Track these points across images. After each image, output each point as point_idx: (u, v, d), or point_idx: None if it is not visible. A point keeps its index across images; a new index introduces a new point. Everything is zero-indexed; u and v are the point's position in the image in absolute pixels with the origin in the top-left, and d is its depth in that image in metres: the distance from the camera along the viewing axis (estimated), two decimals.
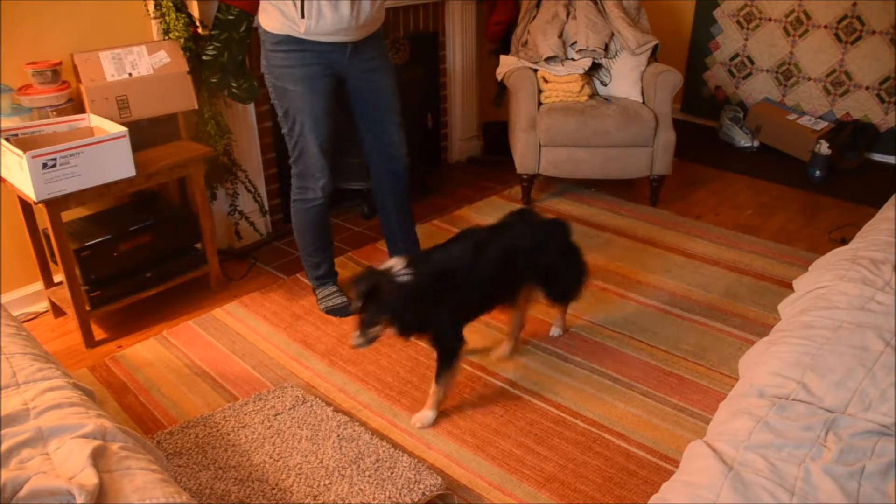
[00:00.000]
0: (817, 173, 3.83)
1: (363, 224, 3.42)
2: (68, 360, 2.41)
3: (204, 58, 2.67)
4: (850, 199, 3.62)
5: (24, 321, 2.60)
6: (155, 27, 2.73)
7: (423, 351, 2.42)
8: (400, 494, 1.81)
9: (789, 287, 2.19)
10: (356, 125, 2.55)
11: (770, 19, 4.29)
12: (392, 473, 1.88)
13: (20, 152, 2.12)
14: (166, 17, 2.63)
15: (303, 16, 2.19)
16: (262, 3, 2.28)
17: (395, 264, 1.95)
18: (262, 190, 3.19)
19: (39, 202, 2.21)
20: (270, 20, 2.26)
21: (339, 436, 2.01)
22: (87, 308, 2.47)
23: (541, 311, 2.64)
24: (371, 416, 2.15)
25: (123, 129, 2.33)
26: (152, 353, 2.44)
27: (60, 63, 2.44)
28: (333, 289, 2.70)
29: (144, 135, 2.59)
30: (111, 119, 2.44)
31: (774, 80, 4.39)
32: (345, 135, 2.61)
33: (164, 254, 2.67)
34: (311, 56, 2.28)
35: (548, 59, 3.48)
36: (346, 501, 1.80)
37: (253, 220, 3.14)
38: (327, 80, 2.34)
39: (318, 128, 2.37)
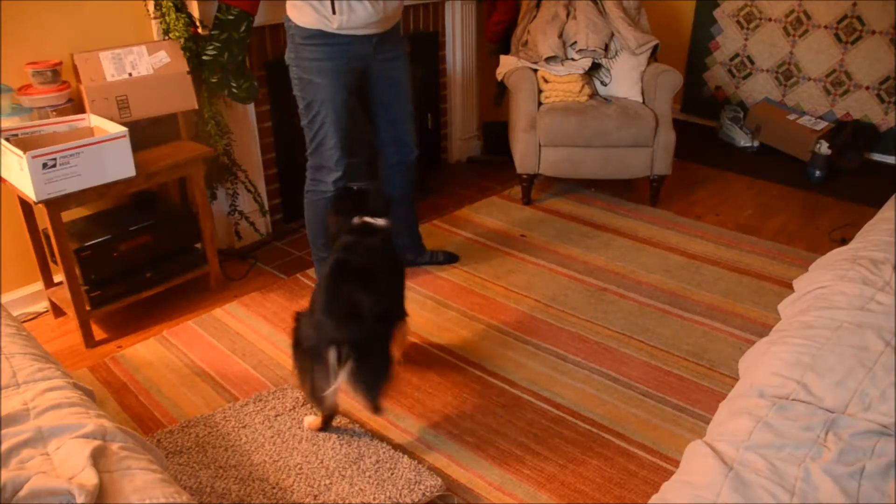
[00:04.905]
0: (817, 173, 3.83)
1: None
2: (68, 360, 2.40)
3: (204, 58, 2.67)
4: (850, 199, 3.62)
5: (24, 321, 2.60)
6: (155, 27, 2.73)
7: (422, 351, 2.42)
8: (400, 495, 1.81)
9: (789, 287, 2.19)
10: (374, 114, 2.63)
11: (770, 19, 4.29)
12: (392, 474, 1.88)
13: (20, 152, 2.12)
14: (166, 17, 2.63)
15: (334, 12, 2.28)
16: (293, 1, 2.34)
17: None
18: (262, 190, 3.19)
19: (39, 202, 2.21)
20: (303, 16, 2.33)
21: (339, 436, 2.01)
22: (87, 308, 2.47)
23: (540, 311, 2.64)
24: (371, 416, 2.14)
25: (123, 129, 2.33)
26: (152, 353, 2.44)
27: (60, 63, 2.44)
28: None
29: (144, 135, 2.59)
30: (111, 119, 2.44)
31: (774, 80, 4.39)
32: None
33: (164, 254, 2.67)
34: (340, 50, 2.36)
35: (548, 59, 3.47)
36: (347, 502, 1.80)
37: (253, 220, 3.14)
38: (352, 76, 2.43)
39: (339, 121, 2.45)
